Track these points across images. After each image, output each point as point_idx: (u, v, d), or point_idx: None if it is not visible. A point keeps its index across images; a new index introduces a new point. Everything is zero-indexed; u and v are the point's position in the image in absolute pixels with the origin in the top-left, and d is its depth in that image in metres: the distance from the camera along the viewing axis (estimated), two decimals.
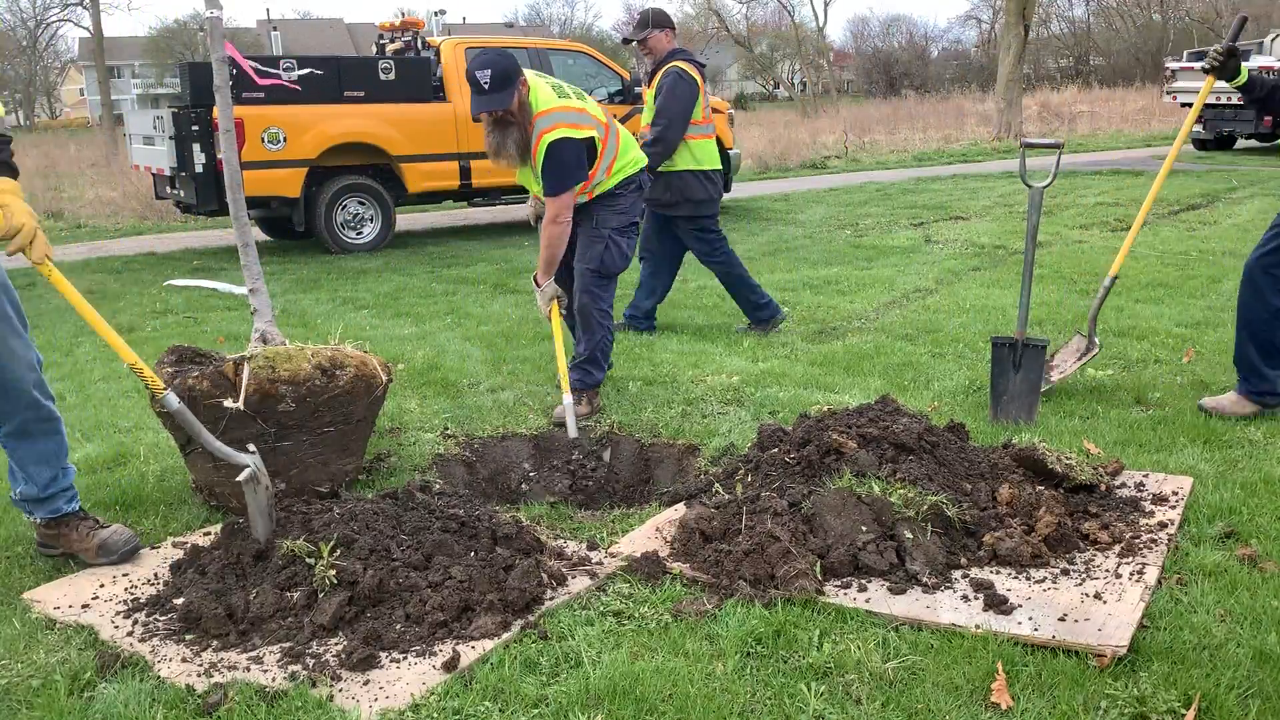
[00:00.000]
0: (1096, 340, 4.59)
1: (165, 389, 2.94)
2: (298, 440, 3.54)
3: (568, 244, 4.48)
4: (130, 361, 2.88)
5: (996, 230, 9.76)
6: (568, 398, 4.30)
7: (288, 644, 2.57)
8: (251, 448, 3.19)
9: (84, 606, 2.84)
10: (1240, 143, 18.33)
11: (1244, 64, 4.13)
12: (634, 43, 6.06)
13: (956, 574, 2.84)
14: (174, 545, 3.24)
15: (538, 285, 4.54)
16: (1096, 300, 4.61)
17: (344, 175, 9.90)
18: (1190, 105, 17.44)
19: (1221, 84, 4.06)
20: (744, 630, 2.57)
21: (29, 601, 2.89)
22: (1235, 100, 15.68)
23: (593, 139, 4.39)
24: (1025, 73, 28.97)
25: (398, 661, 2.50)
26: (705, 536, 3.04)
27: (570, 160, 4.29)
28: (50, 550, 3.17)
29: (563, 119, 4.27)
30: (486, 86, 4.10)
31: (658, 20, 5.95)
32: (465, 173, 10.40)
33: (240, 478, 3.00)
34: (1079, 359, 4.58)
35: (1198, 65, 4.22)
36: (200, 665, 2.50)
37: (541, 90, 4.31)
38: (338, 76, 9.80)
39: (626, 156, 4.59)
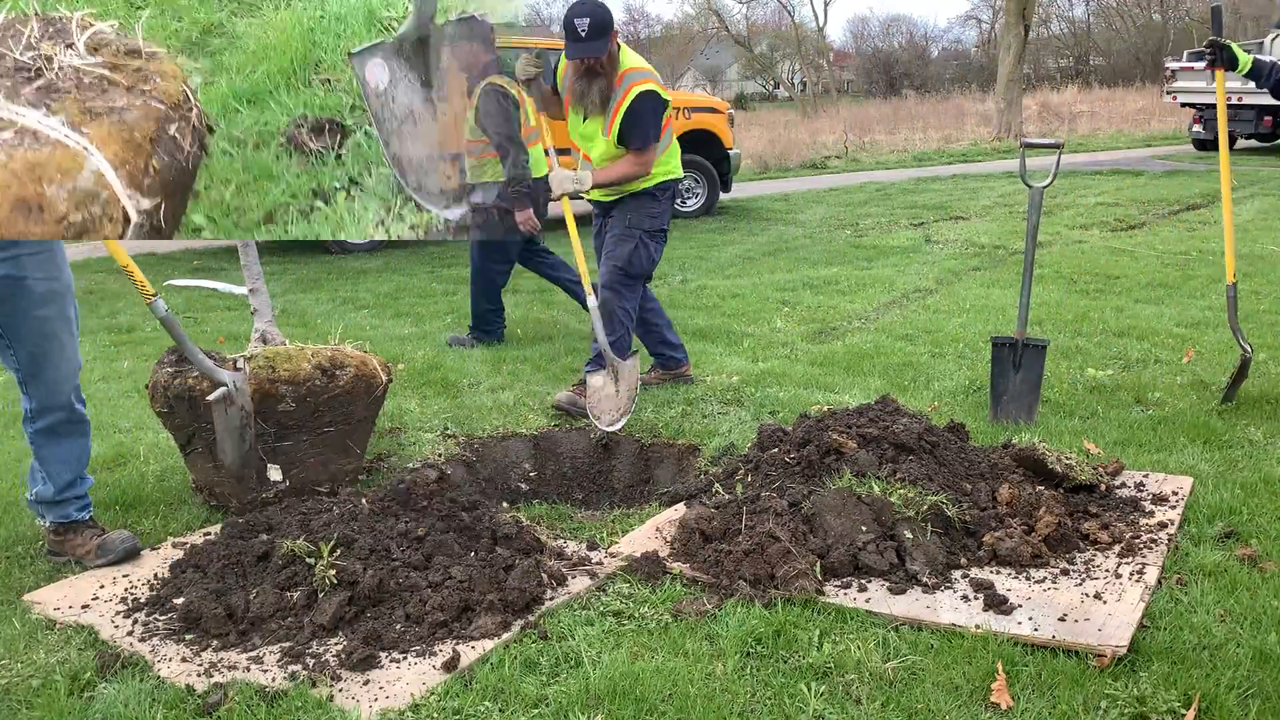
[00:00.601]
0: (1247, 346, 4.36)
1: (154, 294, 3.00)
2: (298, 440, 3.54)
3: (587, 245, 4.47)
4: (124, 264, 2.95)
5: (996, 230, 9.76)
6: (593, 300, 4.31)
7: (288, 644, 2.57)
8: (240, 365, 3.30)
9: (84, 607, 2.84)
10: (1240, 143, 18.32)
11: (1246, 53, 4.14)
12: None
13: (956, 574, 2.84)
14: (174, 545, 3.24)
15: (577, 179, 4.34)
16: (1230, 312, 4.40)
17: None
18: (1190, 105, 17.47)
19: (1234, 86, 4.05)
20: (744, 630, 2.57)
21: (29, 602, 2.89)
22: (1234, 101, 15.65)
23: (665, 106, 4.45)
24: (1025, 73, 28.96)
25: (398, 661, 2.50)
26: (705, 536, 3.04)
27: (657, 114, 4.36)
28: (57, 557, 3.19)
29: (654, 78, 4.37)
30: (584, 34, 4.15)
31: None
32: None
33: (211, 397, 3.10)
34: (1237, 375, 4.37)
35: (1199, 65, 4.22)
36: (200, 665, 2.51)
37: (630, 53, 4.43)
38: None
39: (671, 161, 4.61)
